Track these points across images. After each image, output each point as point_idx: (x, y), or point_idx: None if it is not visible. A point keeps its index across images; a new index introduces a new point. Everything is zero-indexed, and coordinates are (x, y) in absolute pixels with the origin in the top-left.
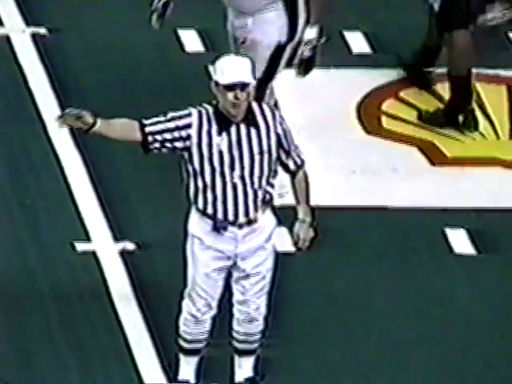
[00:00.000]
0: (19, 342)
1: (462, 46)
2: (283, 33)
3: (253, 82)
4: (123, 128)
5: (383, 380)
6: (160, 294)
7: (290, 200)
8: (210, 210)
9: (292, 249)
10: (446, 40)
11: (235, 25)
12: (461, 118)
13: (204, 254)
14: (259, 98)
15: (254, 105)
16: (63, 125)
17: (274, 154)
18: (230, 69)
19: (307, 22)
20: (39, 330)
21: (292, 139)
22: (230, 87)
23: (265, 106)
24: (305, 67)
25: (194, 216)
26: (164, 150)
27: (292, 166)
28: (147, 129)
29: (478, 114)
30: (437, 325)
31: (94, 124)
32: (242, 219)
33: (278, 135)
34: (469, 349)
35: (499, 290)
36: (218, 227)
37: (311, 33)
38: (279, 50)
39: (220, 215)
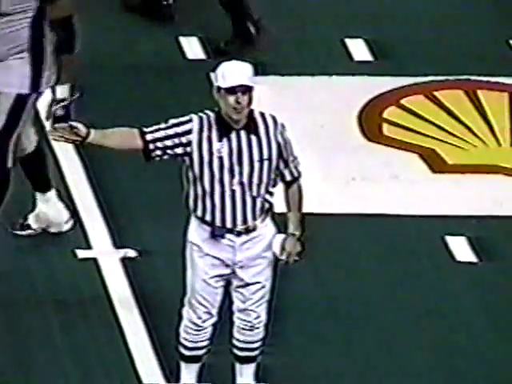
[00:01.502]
0: (19, 348)
1: None
2: (25, 84)
3: (255, 87)
4: (123, 136)
5: None
6: (161, 301)
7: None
8: (208, 217)
9: (279, 256)
10: None
11: None
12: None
13: (202, 261)
14: (2, 149)
15: (256, 113)
16: (56, 138)
17: (274, 163)
18: (232, 73)
19: (57, 81)
20: (40, 337)
21: (291, 150)
22: (232, 91)
23: (267, 115)
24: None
25: (193, 223)
26: (166, 156)
27: (288, 176)
28: (148, 136)
29: (480, 121)
30: (437, 332)
31: (87, 135)
32: (240, 227)
33: (278, 144)
34: (470, 356)
35: (500, 297)
36: (216, 234)
37: (63, 92)
38: (20, 101)
39: (218, 222)
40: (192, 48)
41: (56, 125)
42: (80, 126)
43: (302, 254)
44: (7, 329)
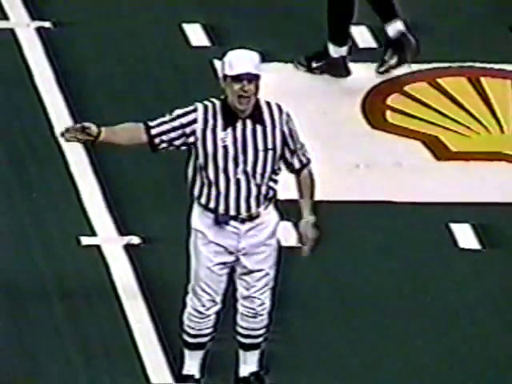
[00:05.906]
0: (24, 337)
1: None
2: None
3: (261, 75)
4: (129, 133)
5: (387, 374)
6: (165, 288)
7: (294, 194)
8: (212, 205)
9: (297, 244)
10: None
11: None
12: None
13: (206, 248)
14: None
15: (262, 101)
16: (69, 139)
17: (279, 152)
18: (238, 61)
19: None
20: (44, 325)
21: (298, 138)
22: (237, 79)
23: (273, 104)
24: None
25: (196, 210)
26: (172, 147)
27: (297, 164)
28: (153, 131)
29: (483, 108)
30: (441, 319)
31: (98, 134)
32: (243, 214)
33: (283, 133)
34: (473, 343)
35: (504, 284)
36: (220, 221)
37: None
38: None
39: (221, 209)
40: (196, 35)
41: (68, 126)
42: (92, 126)
43: (318, 240)
44: (11, 316)
